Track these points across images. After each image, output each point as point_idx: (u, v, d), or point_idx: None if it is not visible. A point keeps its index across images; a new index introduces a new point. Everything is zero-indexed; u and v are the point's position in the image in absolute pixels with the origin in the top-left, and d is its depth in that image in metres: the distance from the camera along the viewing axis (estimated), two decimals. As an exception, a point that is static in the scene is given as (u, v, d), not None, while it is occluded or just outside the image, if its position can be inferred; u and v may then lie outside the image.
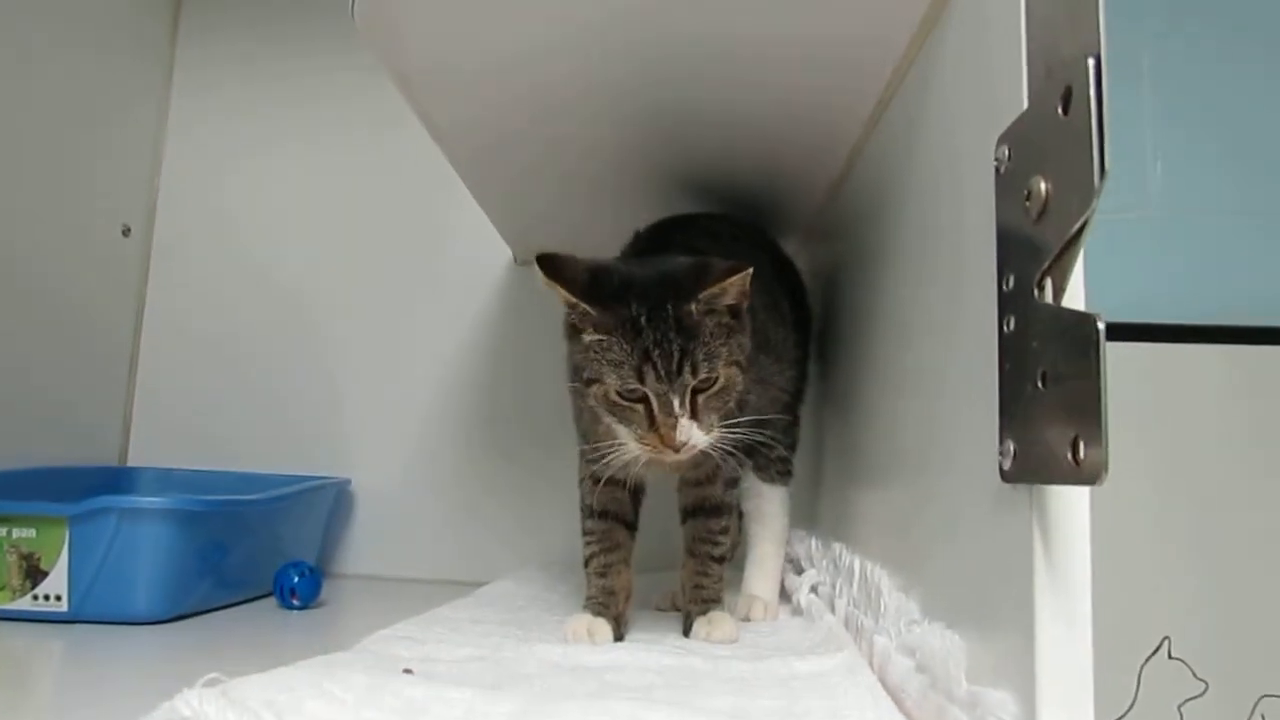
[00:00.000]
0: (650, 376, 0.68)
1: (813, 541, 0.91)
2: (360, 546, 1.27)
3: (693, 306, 0.69)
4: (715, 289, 0.69)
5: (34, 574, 0.83)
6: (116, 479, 1.20)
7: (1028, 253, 0.41)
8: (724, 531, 0.83)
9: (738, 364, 0.72)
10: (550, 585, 0.99)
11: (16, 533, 0.84)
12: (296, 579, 0.95)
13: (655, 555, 0.88)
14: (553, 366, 0.78)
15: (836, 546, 0.81)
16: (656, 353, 0.68)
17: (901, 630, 0.57)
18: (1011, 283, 0.43)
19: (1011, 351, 0.43)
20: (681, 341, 0.69)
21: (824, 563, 0.85)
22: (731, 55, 0.72)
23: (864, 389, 0.82)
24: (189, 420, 1.31)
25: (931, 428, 0.59)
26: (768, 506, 0.91)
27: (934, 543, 0.57)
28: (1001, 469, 0.43)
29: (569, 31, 0.69)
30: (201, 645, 0.80)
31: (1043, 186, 0.40)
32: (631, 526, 0.82)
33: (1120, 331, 1.12)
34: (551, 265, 0.70)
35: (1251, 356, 1.18)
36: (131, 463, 1.30)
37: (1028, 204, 0.41)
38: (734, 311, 0.73)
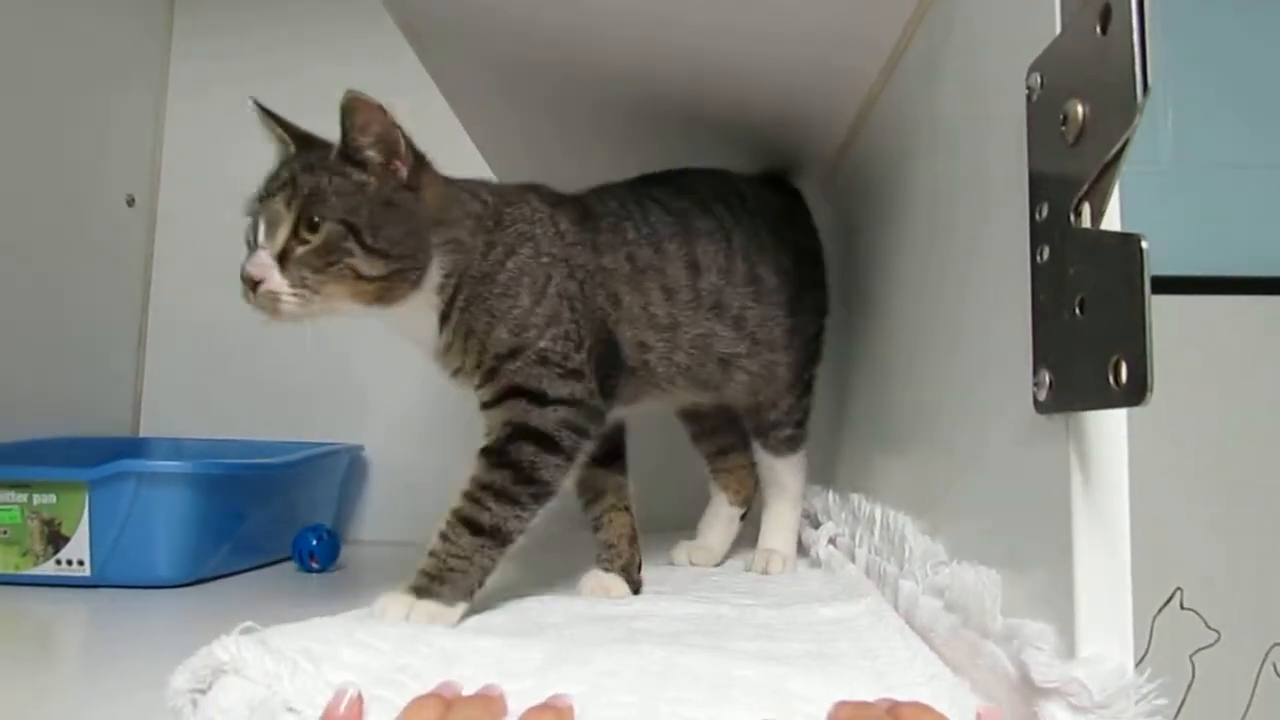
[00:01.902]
0: (256, 196, 0.66)
1: (830, 495, 0.91)
2: (374, 512, 1.28)
3: (331, 152, 0.65)
4: (341, 127, 0.64)
5: (55, 539, 0.83)
6: (132, 448, 1.20)
7: (1063, 180, 0.41)
8: (494, 492, 0.65)
9: (354, 229, 0.63)
10: (567, 542, 0.99)
11: (37, 499, 0.84)
12: (315, 542, 0.96)
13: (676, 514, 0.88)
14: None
15: (855, 498, 0.81)
16: (269, 178, 0.66)
17: (928, 573, 0.57)
18: (1045, 212, 0.43)
19: (1045, 281, 0.43)
20: (296, 174, 0.64)
21: (842, 515, 0.85)
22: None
23: (886, 341, 0.81)
24: (200, 391, 1.31)
25: (958, 369, 0.59)
26: (779, 475, 0.90)
27: (962, 483, 0.57)
28: (1036, 400, 0.43)
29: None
30: (224, 607, 0.80)
31: (1080, 110, 0.39)
32: (612, 464, 0.79)
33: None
34: (269, 112, 0.70)
35: (1264, 307, 1.18)
36: (144, 434, 1.30)
37: (1063, 129, 0.40)
38: (385, 173, 0.65)
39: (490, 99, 0.88)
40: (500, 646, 0.47)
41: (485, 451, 0.67)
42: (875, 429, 0.84)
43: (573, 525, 0.76)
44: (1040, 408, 0.43)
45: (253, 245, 0.64)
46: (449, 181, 0.71)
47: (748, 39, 0.75)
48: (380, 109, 0.63)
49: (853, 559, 0.77)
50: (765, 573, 0.84)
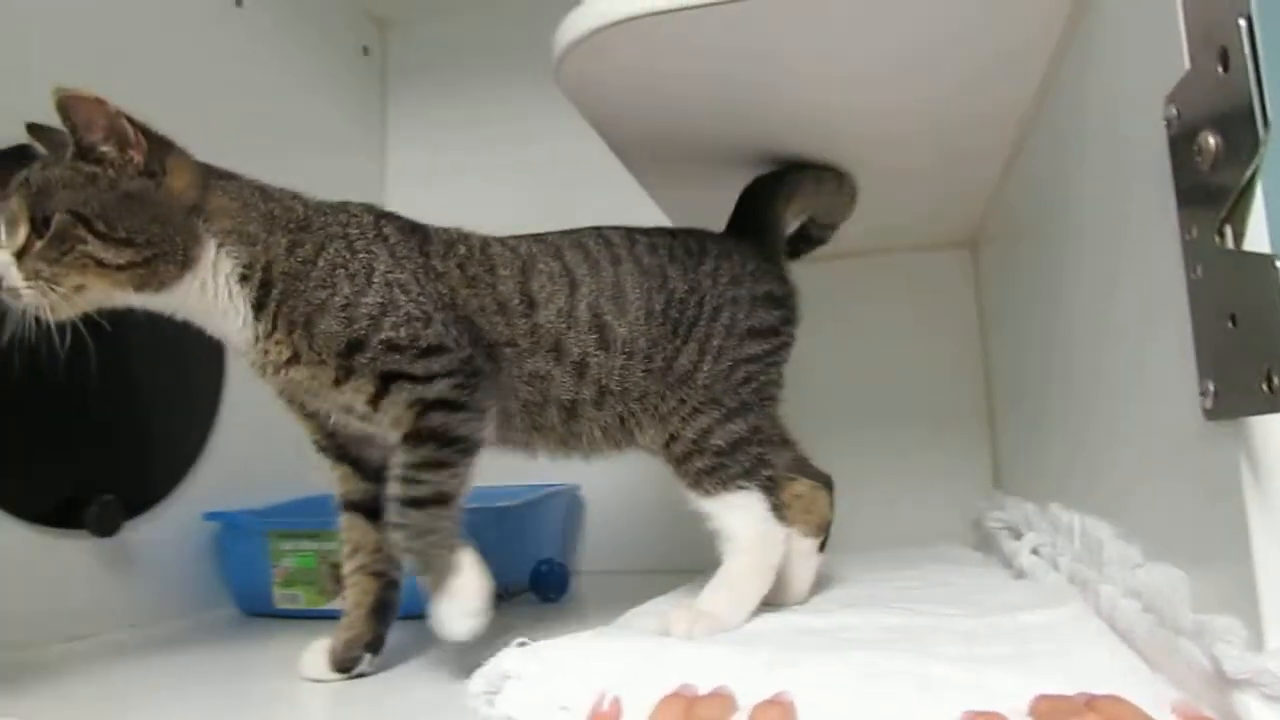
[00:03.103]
0: None
1: (1029, 506, 0.92)
2: (591, 545, 1.39)
3: (61, 151, 0.67)
4: (72, 125, 0.65)
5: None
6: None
7: (1206, 203, 0.44)
8: (423, 466, 0.69)
9: (84, 219, 0.65)
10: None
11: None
12: (551, 573, 1.07)
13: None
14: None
15: (1054, 507, 0.83)
16: (14, 182, 0.66)
17: (1126, 576, 0.60)
18: (1194, 232, 0.46)
19: (1202, 298, 0.46)
20: (30, 173, 0.66)
21: (1043, 524, 0.87)
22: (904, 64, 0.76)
23: (1067, 360, 0.83)
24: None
25: (1129, 381, 0.62)
26: (715, 520, 0.75)
27: (1149, 489, 0.59)
28: (1204, 408, 0.46)
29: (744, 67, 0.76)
30: (487, 632, 0.92)
31: (1211, 141, 0.42)
32: (379, 519, 0.75)
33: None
34: (40, 131, 0.71)
35: None
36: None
37: (1199, 158, 0.44)
38: (119, 163, 0.67)
39: (666, 165, 0.97)
40: (727, 654, 0.55)
41: (405, 437, 0.70)
42: (1065, 442, 0.85)
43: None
44: (1209, 415, 0.46)
45: None
46: (222, 175, 0.73)
47: (903, 119, 0.81)
48: (98, 101, 0.65)
49: (1055, 568, 0.79)
50: (665, 633, 0.67)
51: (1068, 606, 0.66)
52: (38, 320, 0.66)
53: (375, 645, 0.76)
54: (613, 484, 1.37)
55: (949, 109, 0.86)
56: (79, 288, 0.66)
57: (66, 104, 0.64)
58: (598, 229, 0.83)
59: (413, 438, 0.70)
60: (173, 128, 0.70)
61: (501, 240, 0.80)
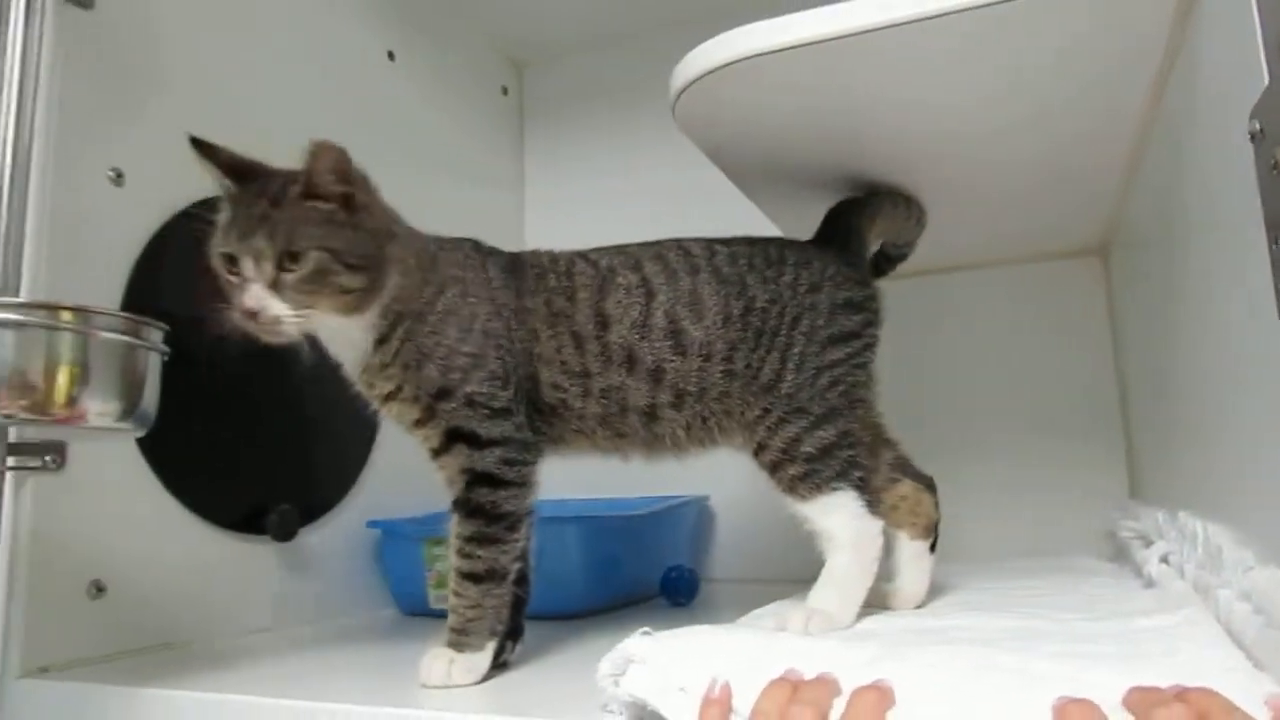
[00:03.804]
0: (234, 234, 0.72)
1: (1159, 514, 0.91)
2: (720, 553, 1.44)
3: (292, 189, 0.72)
4: (307, 169, 0.72)
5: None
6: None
7: (1287, 214, 0.46)
8: (476, 541, 0.75)
9: (337, 254, 0.72)
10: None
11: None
12: (680, 579, 1.13)
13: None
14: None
15: (1181, 515, 0.83)
16: (243, 215, 0.72)
17: (1239, 579, 0.60)
18: (1280, 244, 0.48)
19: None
20: (267, 212, 0.71)
21: (1171, 533, 0.86)
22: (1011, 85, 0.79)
23: (1186, 365, 0.83)
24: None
25: (1253, 387, 0.62)
26: (813, 523, 0.78)
27: (1261, 493, 0.60)
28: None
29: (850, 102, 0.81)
30: (619, 632, 0.98)
31: (1288, 154, 0.44)
32: None
33: None
34: (203, 146, 0.76)
35: None
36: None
37: (1275, 171, 0.45)
38: (347, 203, 0.74)
39: (778, 188, 1.02)
40: (838, 646, 0.59)
41: (455, 504, 0.76)
42: (1196, 450, 0.84)
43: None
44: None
45: (239, 280, 0.72)
46: (387, 210, 0.80)
47: (1014, 136, 0.85)
48: (341, 152, 0.73)
49: (1182, 575, 0.79)
50: (782, 630, 0.71)
51: (1185, 610, 0.66)
52: (265, 344, 0.74)
53: (517, 634, 0.82)
54: (742, 495, 1.41)
55: (1060, 124, 0.87)
56: (321, 313, 0.74)
57: (319, 151, 0.72)
58: (679, 241, 0.86)
59: (462, 507, 0.76)
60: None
61: (584, 255, 0.85)
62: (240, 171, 0.76)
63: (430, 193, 0.95)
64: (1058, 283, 1.34)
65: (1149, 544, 0.91)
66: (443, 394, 0.76)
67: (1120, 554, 1.06)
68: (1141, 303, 1.09)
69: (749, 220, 1.08)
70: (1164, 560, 0.86)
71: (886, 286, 0.91)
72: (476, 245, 0.85)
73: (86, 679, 0.81)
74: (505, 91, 1.70)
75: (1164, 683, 0.47)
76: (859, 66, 0.74)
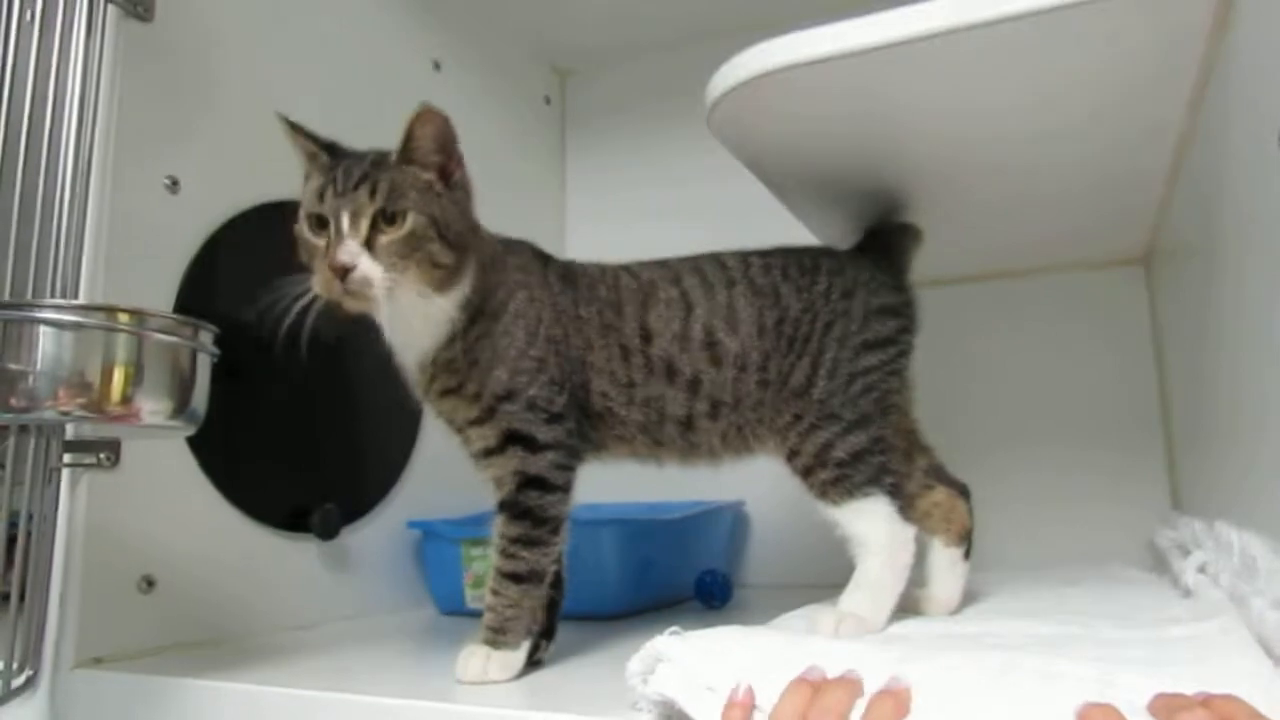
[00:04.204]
0: (329, 193, 0.70)
1: (1196, 524, 0.91)
2: (755, 558, 1.45)
3: (392, 155, 0.72)
4: (409, 131, 0.71)
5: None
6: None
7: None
8: (522, 543, 0.75)
9: (435, 222, 0.71)
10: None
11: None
12: (714, 583, 1.13)
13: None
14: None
15: (1218, 525, 0.82)
16: (340, 174, 0.70)
17: (1274, 588, 0.60)
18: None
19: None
20: (369, 170, 0.70)
21: (1209, 542, 0.85)
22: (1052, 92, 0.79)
23: (1229, 376, 0.82)
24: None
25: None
26: (846, 527, 0.79)
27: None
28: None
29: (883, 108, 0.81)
30: (652, 633, 0.99)
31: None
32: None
33: None
34: (293, 124, 0.76)
35: None
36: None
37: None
38: (443, 173, 0.73)
39: (814, 197, 1.03)
40: (862, 649, 0.59)
41: (503, 506, 0.77)
42: (1237, 461, 0.84)
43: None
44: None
45: (333, 238, 0.70)
46: None
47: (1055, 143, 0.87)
48: (446, 119, 0.72)
49: (1218, 584, 0.78)
50: (813, 632, 0.73)
51: (1218, 619, 0.66)
52: (329, 319, 0.73)
53: (551, 633, 0.84)
54: (777, 500, 1.41)
55: (1101, 131, 0.87)
56: (404, 285, 0.72)
57: (425, 115, 0.71)
58: (716, 255, 0.87)
59: (509, 508, 0.77)
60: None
61: (627, 269, 0.87)
62: (331, 147, 0.77)
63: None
64: (1101, 292, 1.33)
65: (1187, 553, 0.91)
66: (508, 396, 0.77)
67: (1160, 564, 1.05)
68: (1183, 312, 1.08)
69: (796, 231, 1.09)
70: (1201, 570, 0.85)
71: (928, 294, 0.91)
72: (536, 250, 0.86)
73: (137, 670, 0.84)
74: (548, 101, 1.72)
75: (1190, 689, 0.48)
76: (899, 76, 0.74)
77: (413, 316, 0.76)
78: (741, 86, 0.75)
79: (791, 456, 0.81)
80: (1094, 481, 1.28)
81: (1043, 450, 1.31)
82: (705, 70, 0.81)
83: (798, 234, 1.10)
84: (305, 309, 0.73)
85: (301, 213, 0.74)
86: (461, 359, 0.77)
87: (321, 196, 0.72)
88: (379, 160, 0.73)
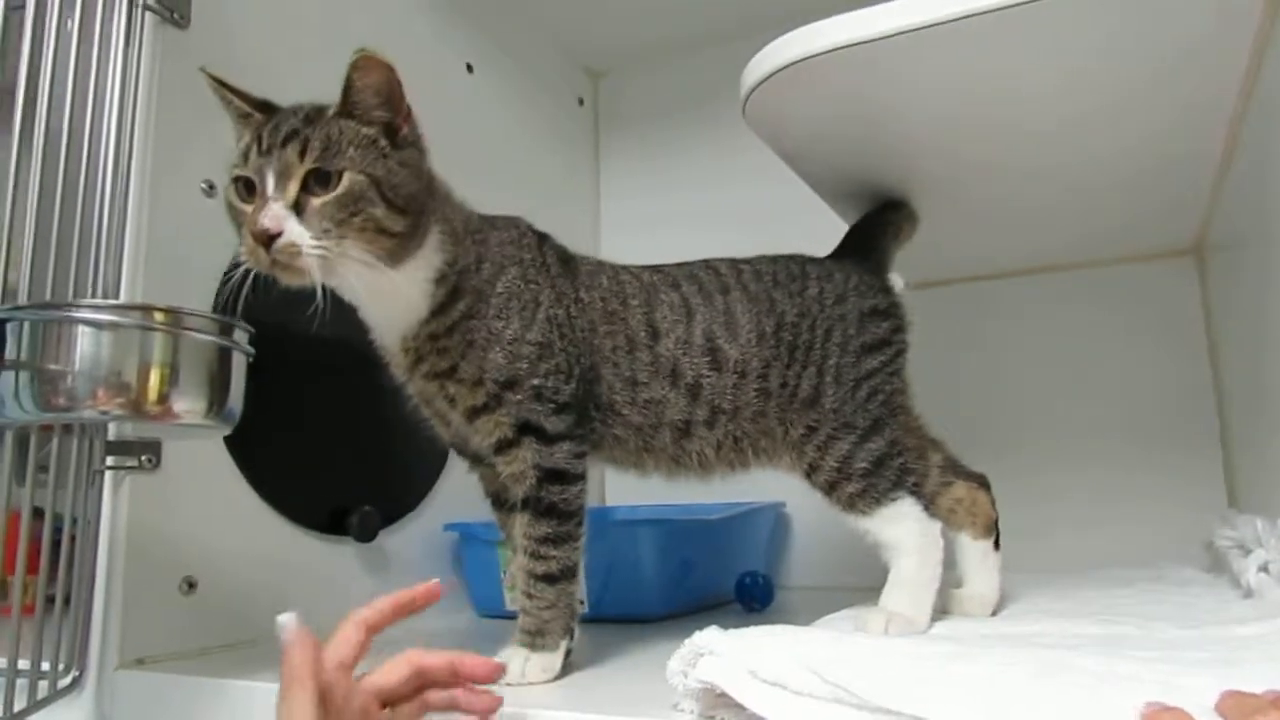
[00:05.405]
0: (253, 152, 0.62)
1: (1258, 522, 0.87)
2: (796, 560, 1.43)
3: (330, 109, 0.64)
4: (348, 81, 0.63)
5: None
6: (600, 515, 1.46)
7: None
8: (551, 541, 0.73)
9: (377, 183, 0.62)
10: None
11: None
12: (755, 584, 1.12)
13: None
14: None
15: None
16: (267, 131, 0.62)
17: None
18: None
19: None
20: (299, 126, 0.62)
21: (1271, 540, 0.82)
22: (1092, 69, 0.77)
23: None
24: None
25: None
26: (878, 536, 0.78)
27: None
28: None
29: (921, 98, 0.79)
30: (690, 631, 0.98)
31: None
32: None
33: None
34: (221, 81, 0.69)
35: None
36: (609, 504, 1.57)
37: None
38: (390, 130, 0.65)
39: (850, 189, 1.01)
40: (906, 647, 0.58)
41: (525, 503, 0.73)
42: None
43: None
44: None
45: (254, 200, 0.62)
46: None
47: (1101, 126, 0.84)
48: (389, 67, 0.64)
49: (1282, 584, 0.75)
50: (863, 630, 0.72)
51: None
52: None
53: (570, 633, 0.79)
54: (817, 502, 1.38)
55: (1149, 113, 0.84)
56: (343, 255, 0.63)
57: (364, 63, 0.64)
58: (707, 261, 0.86)
59: (532, 506, 0.73)
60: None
61: (626, 268, 0.85)
62: (265, 106, 0.69)
63: (506, 204, 0.96)
64: (1151, 285, 1.30)
65: (1247, 552, 0.88)
66: (510, 384, 0.72)
67: (1218, 564, 1.02)
68: (1237, 305, 1.04)
69: (833, 232, 1.07)
70: (1263, 569, 0.82)
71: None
72: (528, 226, 0.81)
73: (180, 671, 0.85)
74: (581, 102, 1.72)
75: (1259, 688, 0.45)
76: (946, 58, 0.72)
77: (377, 292, 0.70)
78: (777, 74, 0.74)
79: (811, 472, 0.79)
80: (1148, 480, 1.25)
81: (1095, 448, 1.28)
82: (740, 68, 0.79)
83: (838, 236, 1.09)
84: (240, 284, 0.66)
85: (227, 177, 0.66)
86: (449, 335, 0.72)
87: (247, 157, 0.64)
88: (313, 115, 0.65)
